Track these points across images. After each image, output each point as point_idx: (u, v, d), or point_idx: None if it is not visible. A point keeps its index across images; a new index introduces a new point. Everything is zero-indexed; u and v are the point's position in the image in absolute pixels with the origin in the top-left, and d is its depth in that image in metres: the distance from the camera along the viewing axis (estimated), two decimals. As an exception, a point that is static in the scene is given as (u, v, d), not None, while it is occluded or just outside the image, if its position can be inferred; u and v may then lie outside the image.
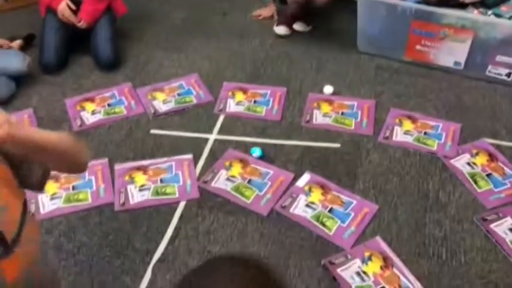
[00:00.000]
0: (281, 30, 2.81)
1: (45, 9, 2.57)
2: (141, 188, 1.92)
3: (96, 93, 2.40)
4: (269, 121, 2.25)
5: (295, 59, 2.67)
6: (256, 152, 2.07)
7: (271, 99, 2.36)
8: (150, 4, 2.98)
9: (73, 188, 1.92)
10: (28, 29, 2.74)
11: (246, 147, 2.11)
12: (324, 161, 2.06)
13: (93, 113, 2.29)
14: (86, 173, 1.98)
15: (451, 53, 2.46)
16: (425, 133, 2.16)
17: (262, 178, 1.96)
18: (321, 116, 2.26)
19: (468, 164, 2.02)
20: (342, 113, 2.27)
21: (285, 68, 2.59)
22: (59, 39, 2.54)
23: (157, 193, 1.91)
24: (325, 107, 2.31)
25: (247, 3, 3.14)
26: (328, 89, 2.40)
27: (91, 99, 2.36)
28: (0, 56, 2.44)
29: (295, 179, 1.96)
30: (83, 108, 2.31)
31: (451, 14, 2.36)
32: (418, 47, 2.53)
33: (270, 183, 1.94)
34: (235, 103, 2.34)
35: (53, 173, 2.08)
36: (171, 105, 2.33)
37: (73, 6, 2.51)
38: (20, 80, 2.43)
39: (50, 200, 1.87)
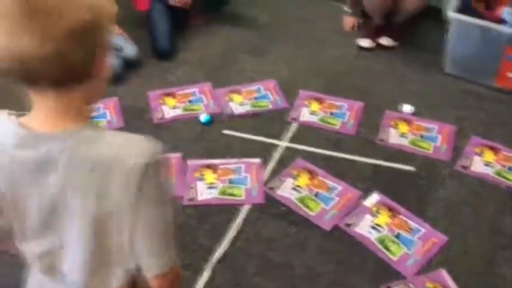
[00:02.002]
0: (365, 42, 2.76)
1: (149, 1, 2.74)
2: (210, 186, 1.98)
3: (178, 89, 2.49)
4: (343, 135, 2.23)
5: (377, 73, 2.61)
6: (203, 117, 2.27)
7: (348, 113, 2.33)
8: (238, 7, 3.04)
9: (147, 177, 2.01)
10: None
11: (315, 159, 2.10)
12: (396, 183, 2.01)
13: (173, 107, 2.38)
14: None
15: (547, 84, 2.29)
16: (509, 168, 2.04)
17: (330, 192, 1.95)
18: (398, 135, 2.20)
19: (553, 206, 1.88)
20: (421, 136, 2.20)
21: (364, 81, 2.55)
22: (169, 27, 2.71)
23: (224, 193, 1.95)
24: (403, 127, 2.24)
25: (332, 12, 3.11)
26: (407, 108, 2.33)
27: (173, 95, 2.45)
28: (119, 41, 2.61)
29: (364, 197, 1.93)
30: (164, 102, 2.41)
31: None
32: (509, 74, 2.38)
33: (337, 198, 1.92)
34: (310, 112, 2.34)
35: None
36: (246, 108, 2.38)
37: None
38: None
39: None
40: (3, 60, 0.71)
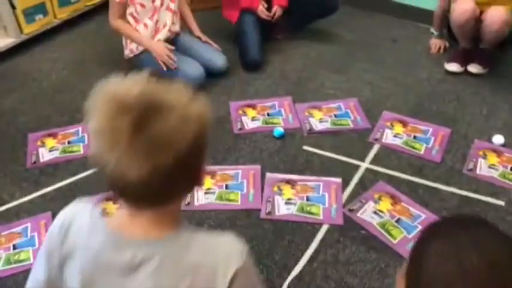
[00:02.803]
0: (452, 67, 2.66)
1: (239, 13, 2.77)
2: (288, 202, 1.95)
3: (258, 101, 2.50)
4: (427, 161, 2.14)
5: (464, 100, 2.50)
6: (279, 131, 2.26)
7: (433, 138, 2.24)
8: (321, 24, 3.02)
9: (226, 187, 2.02)
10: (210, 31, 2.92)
11: (398, 183, 2.03)
12: (483, 216, 1.89)
13: (253, 119, 2.39)
14: (240, 175, 2.07)
15: None
16: None
17: (413, 220, 1.87)
18: (487, 167, 2.09)
19: None
20: (512, 169, 2.07)
21: (451, 107, 2.44)
22: (259, 38, 2.73)
23: (302, 210, 1.92)
24: (492, 158, 2.12)
25: (418, 33, 3.04)
26: (498, 139, 2.21)
27: (253, 106, 2.47)
28: (206, 50, 2.64)
29: (449, 229, 1.83)
30: (245, 113, 2.42)
31: None
32: None
33: (420, 227, 1.84)
34: (393, 135, 2.27)
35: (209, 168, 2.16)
36: (326, 125, 2.34)
37: (265, 5, 2.76)
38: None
39: (204, 194, 1.99)
40: (109, 177, 0.72)
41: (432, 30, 2.88)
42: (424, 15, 3.06)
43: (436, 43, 2.86)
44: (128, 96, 0.70)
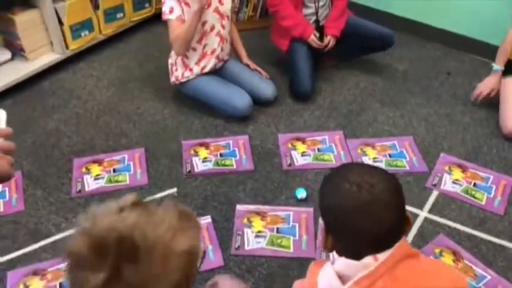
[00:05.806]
0: None
1: (289, 42, 2.67)
2: (343, 251, 1.86)
3: (308, 134, 2.41)
4: (489, 212, 2.02)
5: (526, 144, 2.37)
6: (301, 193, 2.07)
7: (494, 187, 2.12)
8: (373, 54, 2.90)
9: (277, 230, 1.94)
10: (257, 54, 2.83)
11: (459, 237, 1.92)
12: (553, 281, 1.77)
13: (303, 154, 2.30)
14: (291, 217, 1.98)
15: None
16: None
17: (477, 281, 1.75)
18: (555, 224, 1.96)
19: None
20: None
21: (513, 153, 2.31)
22: (310, 68, 2.63)
23: (357, 261, 1.82)
24: (561, 214, 2.00)
25: (474, 67, 2.91)
26: None
27: (302, 140, 2.37)
28: (254, 78, 2.55)
29: (517, 294, 1.72)
30: (294, 147, 2.33)
31: None
32: None
33: (485, 290, 1.73)
34: (452, 181, 2.15)
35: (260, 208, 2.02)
36: (380, 166, 2.23)
37: (317, 34, 2.65)
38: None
39: (255, 238, 1.91)
40: None
41: (494, 64, 2.60)
42: (480, 48, 2.92)
43: (488, 85, 2.54)
44: (105, 240, 0.74)
